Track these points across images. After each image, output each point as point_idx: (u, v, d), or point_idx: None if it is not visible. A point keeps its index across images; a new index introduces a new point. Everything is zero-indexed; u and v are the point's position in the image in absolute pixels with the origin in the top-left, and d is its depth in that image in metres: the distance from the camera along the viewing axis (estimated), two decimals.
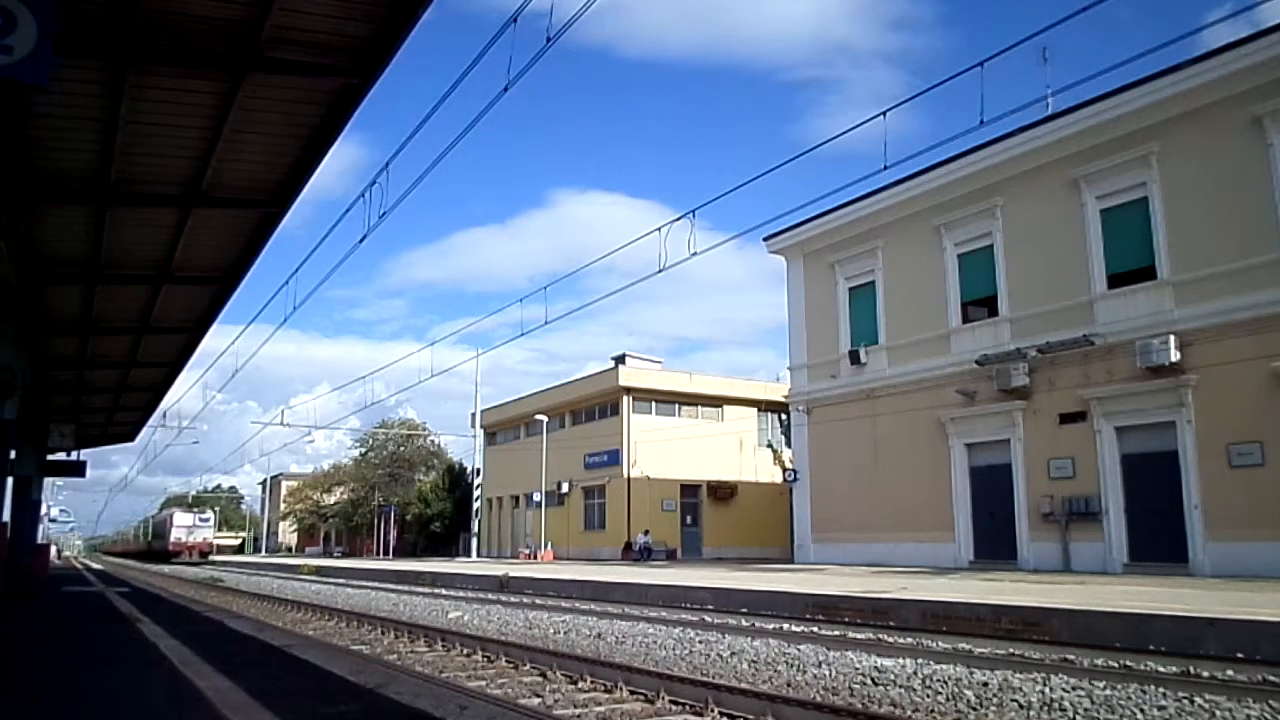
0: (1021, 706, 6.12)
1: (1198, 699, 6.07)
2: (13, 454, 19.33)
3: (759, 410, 43.12)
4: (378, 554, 59.89)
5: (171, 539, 63.07)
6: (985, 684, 6.78)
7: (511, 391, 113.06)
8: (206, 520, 67.09)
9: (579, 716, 6.26)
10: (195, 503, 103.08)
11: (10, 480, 19.91)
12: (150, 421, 32.33)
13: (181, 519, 65.74)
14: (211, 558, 62.13)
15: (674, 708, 6.40)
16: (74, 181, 10.28)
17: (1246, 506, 16.95)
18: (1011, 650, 8.57)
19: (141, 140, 9.40)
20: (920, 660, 7.94)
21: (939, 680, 7.00)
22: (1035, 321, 21.19)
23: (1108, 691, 6.41)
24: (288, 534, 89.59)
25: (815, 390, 27.28)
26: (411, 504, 61.94)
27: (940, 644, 9.19)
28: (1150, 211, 19.34)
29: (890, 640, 9.60)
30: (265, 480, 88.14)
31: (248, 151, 9.89)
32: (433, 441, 70.08)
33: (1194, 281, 18.42)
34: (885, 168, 12.00)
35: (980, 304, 23.23)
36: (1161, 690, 6.37)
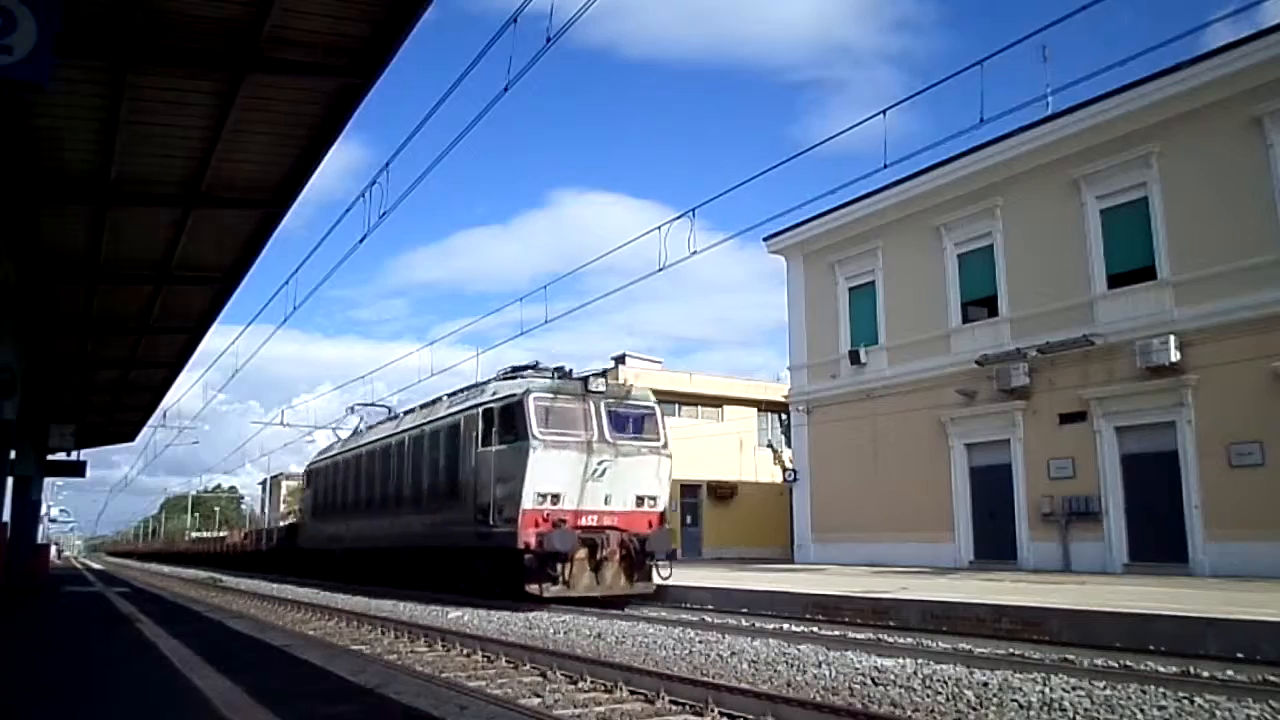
0: (1021, 706, 6.11)
1: (1198, 699, 6.07)
2: (13, 454, 19.35)
3: (759, 410, 43.07)
4: None
5: (526, 506, 13.77)
6: (985, 684, 6.78)
7: None
8: (646, 409, 16.83)
9: (579, 716, 6.26)
10: (195, 504, 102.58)
11: (10, 480, 19.93)
12: (151, 421, 32.35)
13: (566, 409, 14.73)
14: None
15: (674, 708, 6.40)
16: (74, 181, 10.28)
17: (1246, 506, 16.94)
18: (1011, 650, 8.57)
19: (142, 140, 9.40)
20: (920, 660, 7.94)
21: (939, 680, 7.00)
22: (1035, 321, 21.18)
23: (1108, 691, 6.41)
24: None
25: (815, 390, 27.27)
26: None
27: (940, 644, 9.20)
28: (1150, 211, 19.33)
29: (890, 640, 9.60)
30: (265, 480, 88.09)
31: (248, 151, 9.89)
32: None
33: (1194, 281, 18.41)
34: (885, 166, 11.98)
35: (980, 304, 23.22)
36: (1161, 690, 6.37)
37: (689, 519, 41.06)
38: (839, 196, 22.64)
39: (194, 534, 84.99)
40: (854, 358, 25.81)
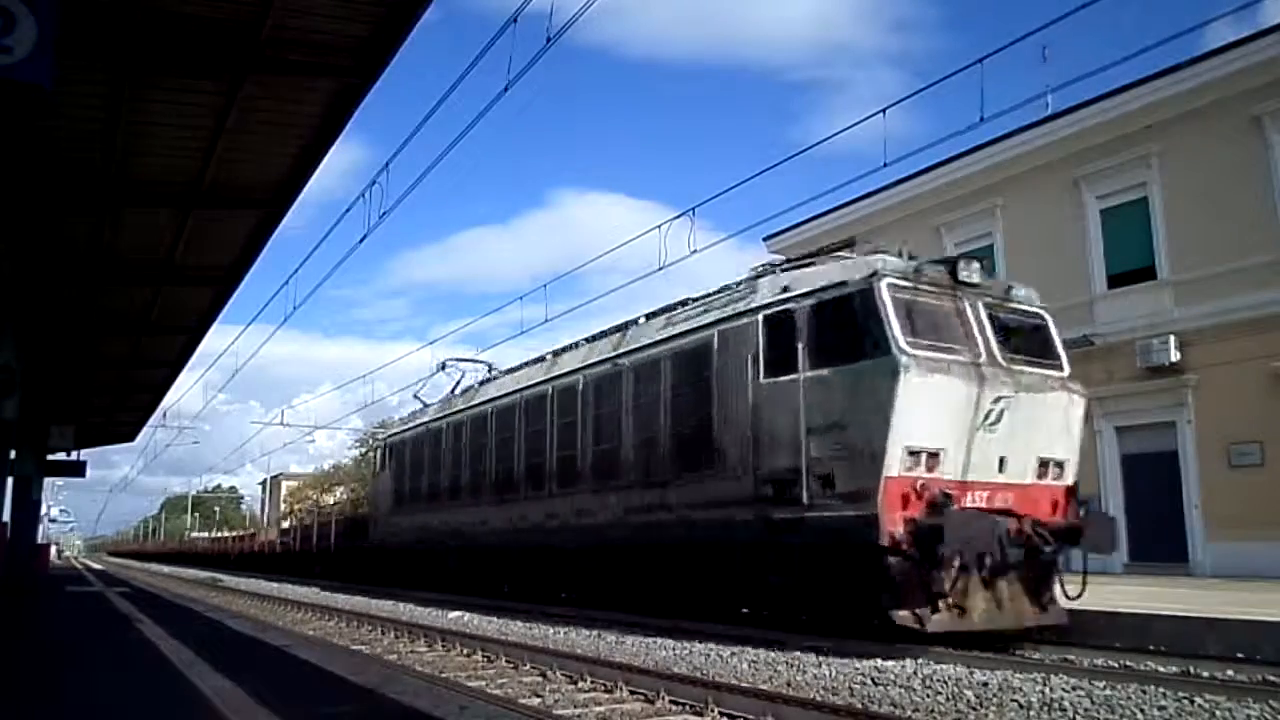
0: (1021, 706, 6.11)
1: (1198, 699, 6.07)
2: (13, 454, 19.35)
3: None
4: None
5: (890, 471, 8.21)
6: (985, 684, 6.78)
7: None
8: (1036, 317, 10.80)
9: (579, 716, 6.27)
10: (195, 504, 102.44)
11: (10, 480, 19.94)
12: (151, 421, 32.41)
13: None
14: None
15: (674, 708, 6.41)
16: (74, 182, 10.28)
17: (1246, 506, 16.92)
18: (1012, 650, 8.56)
19: (142, 140, 9.41)
20: (920, 660, 7.93)
21: (939, 680, 6.99)
22: None
23: (1108, 691, 6.40)
24: None
25: None
26: None
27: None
28: (1150, 211, 19.32)
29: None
30: (265, 480, 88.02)
31: (248, 151, 9.90)
32: None
33: (1194, 281, 18.41)
34: (885, 165, 12.03)
35: None
36: (1161, 690, 6.36)
37: None
38: (839, 196, 22.76)
39: (205, 533, 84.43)
40: None
